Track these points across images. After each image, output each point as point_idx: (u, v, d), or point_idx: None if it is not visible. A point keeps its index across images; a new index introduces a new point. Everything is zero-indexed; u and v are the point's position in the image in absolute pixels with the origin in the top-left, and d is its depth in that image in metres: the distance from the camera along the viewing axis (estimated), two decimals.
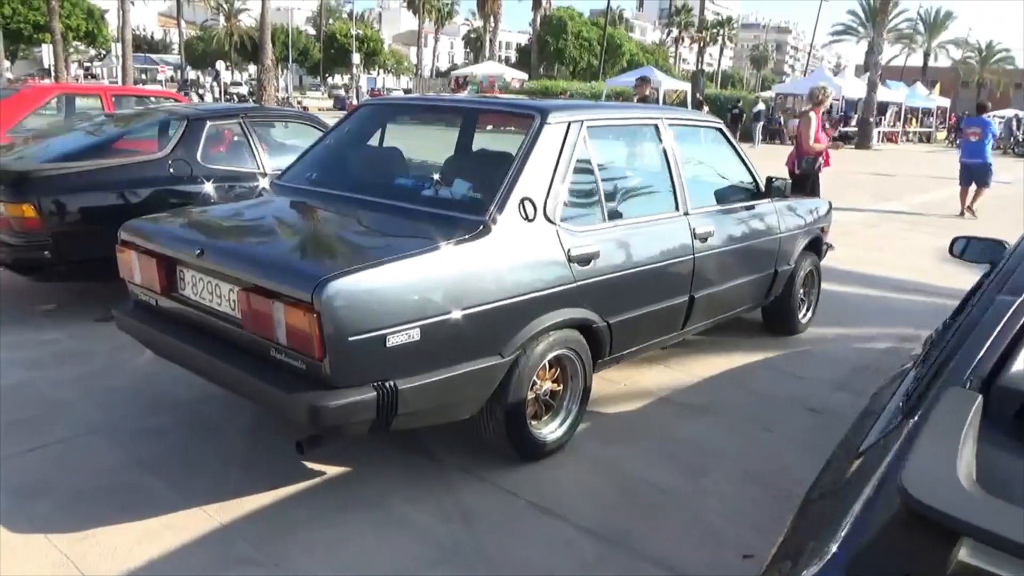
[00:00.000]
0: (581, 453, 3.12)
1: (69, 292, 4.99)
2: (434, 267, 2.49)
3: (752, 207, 4.12)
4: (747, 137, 26.55)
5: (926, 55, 54.72)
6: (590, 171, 3.13)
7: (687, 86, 28.69)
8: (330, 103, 44.10)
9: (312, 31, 73.36)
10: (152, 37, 70.85)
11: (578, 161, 3.06)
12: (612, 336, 3.18)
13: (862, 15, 50.16)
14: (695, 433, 3.39)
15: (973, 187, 10.98)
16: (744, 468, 3.09)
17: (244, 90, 44.21)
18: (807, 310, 4.94)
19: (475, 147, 3.49)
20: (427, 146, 3.76)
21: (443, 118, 4.01)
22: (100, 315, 4.58)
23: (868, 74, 29.29)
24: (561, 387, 3.11)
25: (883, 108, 31.20)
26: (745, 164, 4.19)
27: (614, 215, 3.19)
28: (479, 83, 33.26)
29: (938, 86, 40.02)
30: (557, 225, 2.90)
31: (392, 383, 2.41)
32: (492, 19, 40.20)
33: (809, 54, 53.52)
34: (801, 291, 4.77)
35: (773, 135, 28.21)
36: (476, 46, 61.64)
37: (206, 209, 3.35)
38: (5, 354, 3.94)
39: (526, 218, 2.81)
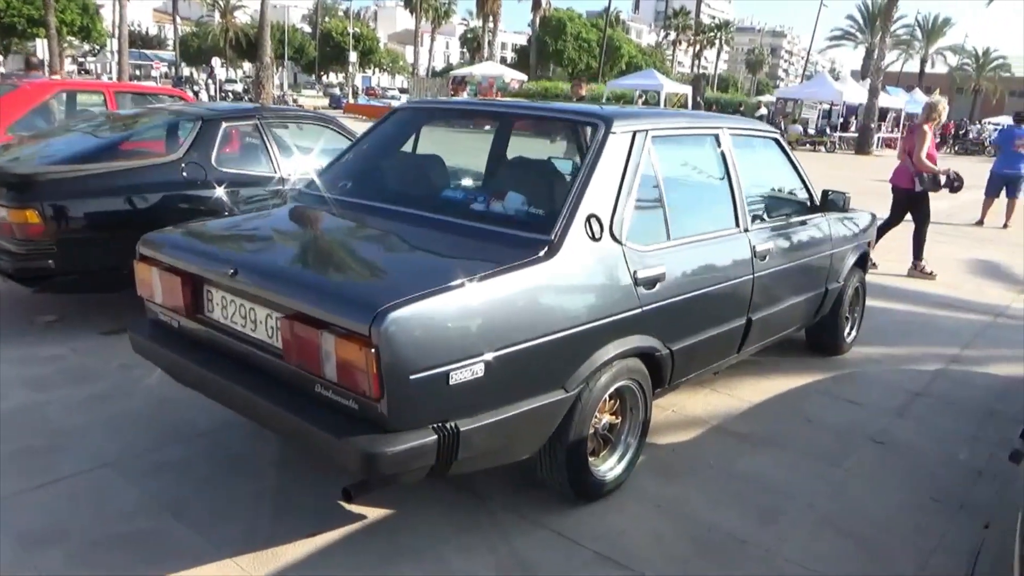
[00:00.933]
0: (639, 492, 2.86)
1: (71, 303, 4.69)
2: (501, 293, 2.23)
3: (807, 222, 3.87)
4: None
5: (923, 61, 54.84)
6: (655, 185, 2.87)
7: (687, 89, 28.47)
8: (326, 101, 43.78)
9: (308, 29, 72.94)
10: (147, 33, 70.24)
11: (643, 174, 2.80)
12: (674, 364, 2.93)
13: (860, 21, 50.28)
14: (757, 468, 3.13)
15: (1001, 197, 10.71)
16: (817, 511, 2.83)
17: (239, 87, 43.79)
18: (852, 328, 4.70)
19: (521, 155, 3.22)
20: (469, 153, 3.49)
21: (487, 124, 3.73)
22: (106, 328, 4.30)
23: (869, 80, 29.16)
24: (620, 420, 2.86)
25: (883, 114, 31.08)
26: (800, 176, 3.94)
27: (677, 233, 2.93)
28: (478, 84, 32.95)
29: (937, 93, 39.88)
30: (623, 244, 2.64)
31: (453, 424, 2.15)
32: (492, 19, 39.90)
33: (807, 59, 53.41)
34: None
35: None
36: (473, 46, 61.37)
37: (235, 220, 3.08)
38: (5, 371, 3.65)
39: (592, 237, 2.55)
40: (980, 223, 10.91)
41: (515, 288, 2.27)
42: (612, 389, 2.68)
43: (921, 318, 5.68)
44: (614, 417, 2.83)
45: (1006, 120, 42.77)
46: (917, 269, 7.14)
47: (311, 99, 46.10)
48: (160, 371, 3.63)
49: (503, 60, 48.23)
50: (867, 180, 16.24)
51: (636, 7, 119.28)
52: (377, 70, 77.51)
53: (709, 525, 2.69)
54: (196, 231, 2.87)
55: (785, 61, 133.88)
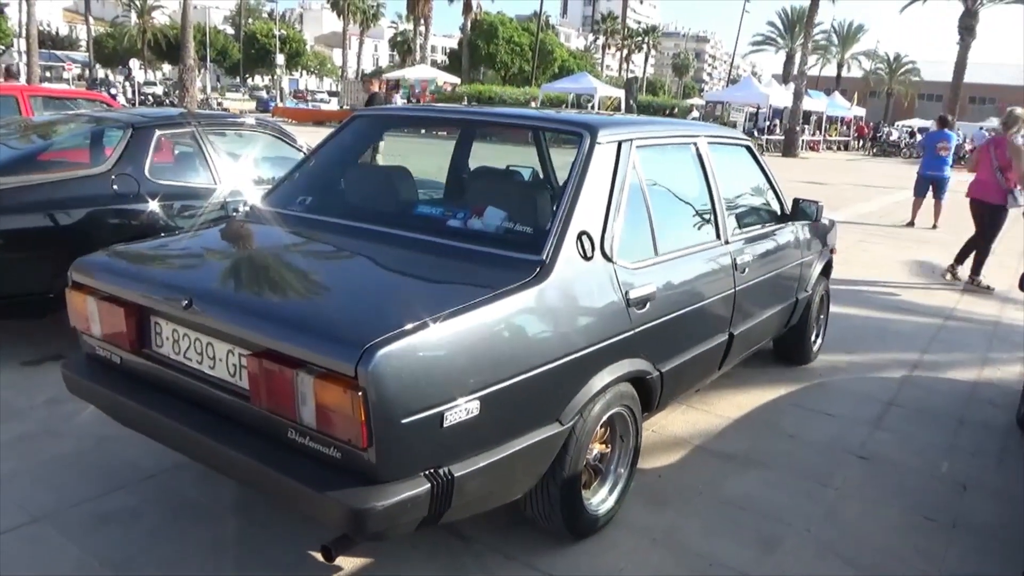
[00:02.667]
0: (630, 524, 2.69)
1: None
2: (495, 321, 2.02)
3: (779, 231, 3.78)
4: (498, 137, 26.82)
5: (840, 66, 56.89)
6: (641, 198, 2.71)
7: (620, 92, 28.70)
8: (252, 104, 42.47)
9: (231, 30, 70.91)
10: (57, 33, 66.93)
11: (630, 186, 2.63)
12: (663, 386, 2.77)
13: (781, 27, 51.89)
14: (747, 491, 3.00)
15: (929, 198, 11.01)
16: (816, 537, 2.71)
17: (159, 90, 42.15)
18: (817, 336, 4.66)
19: (495, 167, 3.01)
20: (436, 163, 3.26)
21: (453, 132, 3.51)
22: (28, 358, 3.91)
23: (793, 83, 30.00)
24: (609, 449, 2.68)
25: (807, 117, 32.01)
26: (772, 184, 3.86)
27: (664, 248, 2.77)
28: (410, 87, 32.53)
29: (856, 95, 41.49)
30: (614, 262, 2.47)
31: (447, 470, 1.93)
32: (423, 22, 39.43)
33: (731, 63, 54.80)
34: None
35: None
36: (403, 49, 60.71)
37: (183, 241, 2.76)
38: None
39: (584, 255, 2.36)
40: (911, 224, 11.21)
41: (509, 314, 2.06)
42: (605, 418, 2.50)
43: (876, 323, 5.71)
44: (604, 446, 2.65)
45: (918, 123, 44.79)
46: (974, 283, 7.06)
47: (236, 102, 44.72)
48: (93, 408, 3.33)
49: (435, 63, 47.75)
50: (797, 181, 16.64)
51: (564, 11, 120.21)
52: (304, 73, 75.97)
53: (710, 558, 2.53)
54: (138, 254, 2.57)
55: (709, 65, 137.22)
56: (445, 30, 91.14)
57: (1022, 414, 3.88)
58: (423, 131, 3.62)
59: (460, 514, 2.11)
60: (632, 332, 2.51)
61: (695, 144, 3.17)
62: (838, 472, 3.23)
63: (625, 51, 67.03)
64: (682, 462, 3.22)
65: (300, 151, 4.94)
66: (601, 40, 64.45)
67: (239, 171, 4.60)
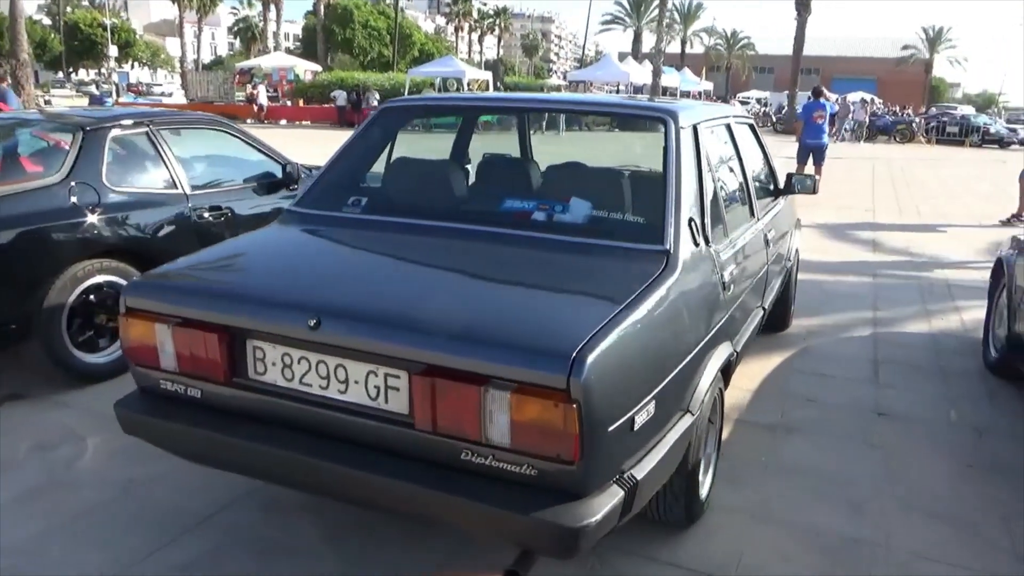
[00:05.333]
0: (720, 505, 2.70)
1: None
2: (656, 315, 1.95)
3: (781, 205, 3.91)
4: (552, 125, 27.22)
5: (683, 43, 59.64)
6: (711, 180, 2.70)
7: (488, 75, 28.72)
8: (84, 101, 38.99)
9: (47, 21, 64.69)
10: None
11: (706, 169, 2.62)
12: (733, 367, 2.80)
13: (627, 6, 53.66)
14: (805, 458, 3.10)
15: (808, 165, 11.75)
16: (892, 495, 2.83)
17: None
18: (792, 303, 4.87)
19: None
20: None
21: (506, 120, 3.35)
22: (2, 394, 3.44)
23: (648, 61, 31.17)
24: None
25: (664, 92, 33.39)
26: (768, 161, 3.97)
27: (731, 228, 2.79)
28: (267, 76, 31.01)
29: (704, 71, 43.66)
30: (711, 247, 2.45)
31: (631, 474, 1.85)
32: (273, 6, 37.53)
33: (584, 43, 56.25)
34: None
35: (570, 122, 29.07)
36: (247, 36, 57.82)
37: (248, 252, 2.47)
38: None
39: (695, 242, 2.33)
40: None
41: (663, 307, 2.00)
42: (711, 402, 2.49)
43: (819, 286, 6.03)
44: None
45: (756, 94, 47.88)
46: None
47: (65, 99, 40.89)
48: (90, 445, 2.97)
49: (287, 50, 45.76)
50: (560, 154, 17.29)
51: None
52: (136, 64, 70.65)
53: (813, 528, 2.59)
54: (210, 271, 2.29)
55: (556, 45, 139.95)
56: (288, 15, 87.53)
57: (990, 360, 4.23)
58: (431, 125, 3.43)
59: (626, 520, 2.03)
60: (727, 315, 2.51)
61: (729, 124, 3.20)
62: (870, 431, 3.39)
63: (478, 33, 67.12)
64: (733, 438, 3.27)
65: (258, 149, 4.59)
66: (453, 23, 64.14)
67: (200, 172, 4.22)
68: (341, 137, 4.24)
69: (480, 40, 69.87)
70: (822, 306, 5.37)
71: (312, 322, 1.87)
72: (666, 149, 2.45)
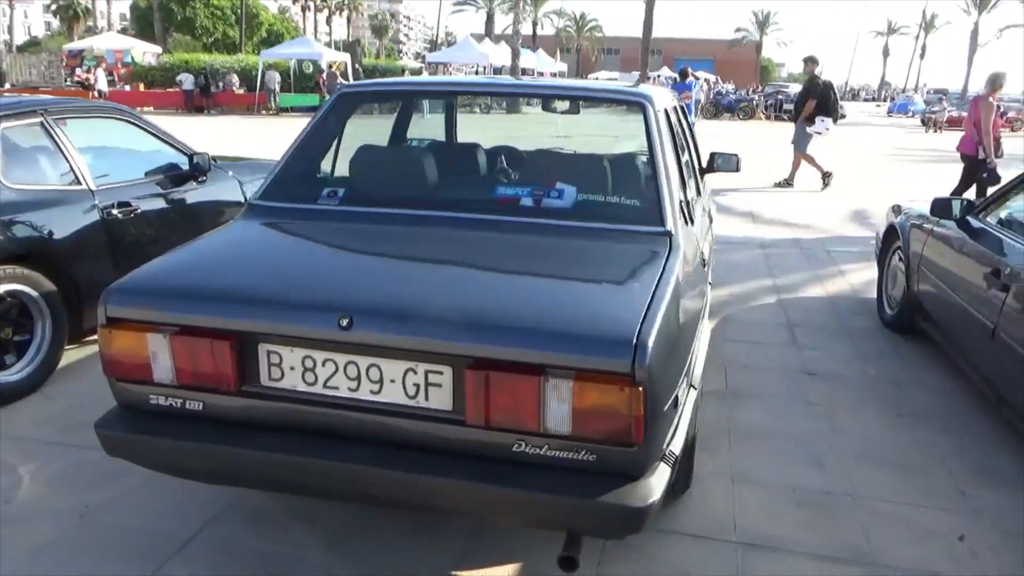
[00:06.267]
0: (702, 472, 2.82)
1: None
2: (678, 295, 1.99)
3: (707, 182, 4.09)
4: (417, 108, 26.93)
5: (534, 24, 60.49)
6: (678, 163, 2.78)
7: (346, 57, 27.88)
8: None
9: None
10: None
11: (676, 152, 2.70)
12: None
13: None
14: (761, 421, 3.29)
15: None
16: (845, 448, 3.06)
17: None
18: None
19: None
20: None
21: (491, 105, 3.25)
22: None
23: (506, 43, 31.39)
24: None
25: (524, 73, 33.80)
26: (695, 140, 4.12)
27: (696, 207, 2.89)
28: (99, 59, 28.55)
29: (557, 53, 44.52)
30: (694, 227, 2.54)
31: (670, 451, 1.90)
32: None
33: (438, 24, 55.78)
34: None
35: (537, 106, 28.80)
36: (68, 15, 52.94)
37: (234, 248, 2.29)
38: None
39: (685, 222, 2.40)
40: None
41: (680, 287, 2.05)
42: None
43: (718, 257, 6.36)
44: None
45: (604, 74, 49.49)
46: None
47: None
48: (28, 477, 2.71)
49: (122, 30, 42.29)
50: (528, 136, 17.60)
51: None
52: None
53: (791, 485, 2.76)
54: (202, 272, 2.11)
55: (405, 27, 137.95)
56: None
57: (886, 318, 4.65)
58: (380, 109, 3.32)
59: None
60: (709, 290, 2.61)
61: (676, 107, 3.30)
62: (806, 390, 3.64)
63: (326, 13, 64.96)
64: None
65: (160, 138, 4.26)
66: (299, 2, 61.64)
67: (103, 166, 3.86)
68: (193, 123, 4.04)
69: (328, 21, 67.61)
70: (727, 277, 5.67)
71: (344, 322, 1.77)
72: (648, 132, 2.50)
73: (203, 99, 25.93)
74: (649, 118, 2.53)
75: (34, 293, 3.35)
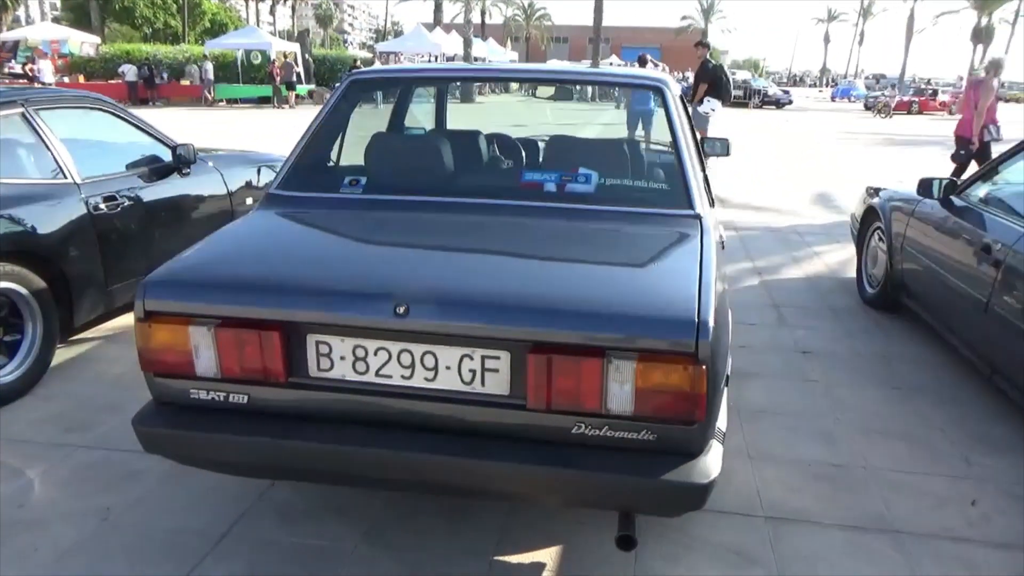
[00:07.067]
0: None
1: None
2: (719, 275, 2.03)
3: None
4: (370, 98, 26.67)
5: (483, 13, 60.18)
6: (696, 146, 2.82)
7: (295, 47, 27.34)
8: None
9: None
10: None
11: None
12: None
13: None
14: (764, 399, 3.36)
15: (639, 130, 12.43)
16: (850, 422, 3.15)
17: None
18: None
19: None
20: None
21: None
22: None
23: (459, 31, 31.23)
24: None
25: (477, 62, 33.68)
26: None
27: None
28: (33, 49, 27.45)
29: (508, 42, 44.42)
30: (713, 208, 2.58)
31: (718, 427, 1.94)
32: None
33: (387, 13, 55.14)
34: None
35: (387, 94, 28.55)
36: None
37: (289, 242, 2.25)
38: None
39: (710, 204, 2.44)
40: None
41: (719, 266, 2.09)
42: None
43: None
44: None
45: (555, 63, 49.65)
46: None
47: None
48: (39, 480, 2.63)
49: (54, 20, 40.71)
50: (480, 123, 17.59)
51: None
52: None
53: (805, 460, 2.84)
54: (244, 263, 2.07)
55: (350, 16, 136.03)
56: None
57: (867, 296, 4.79)
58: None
59: None
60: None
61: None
62: (803, 368, 3.74)
63: (269, 2, 63.62)
64: None
65: (143, 130, 4.14)
66: None
67: (87, 158, 3.72)
68: (139, 116, 3.96)
69: (272, 11, 66.25)
70: None
71: (401, 309, 1.76)
72: (668, 116, 2.53)
73: (147, 91, 25.20)
74: (668, 102, 2.55)
75: (24, 291, 3.23)
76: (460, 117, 3.79)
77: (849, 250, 6.03)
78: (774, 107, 31.75)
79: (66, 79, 26.48)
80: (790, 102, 33.88)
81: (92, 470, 2.71)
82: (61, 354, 3.53)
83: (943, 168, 8.11)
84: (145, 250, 3.91)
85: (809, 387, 3.51)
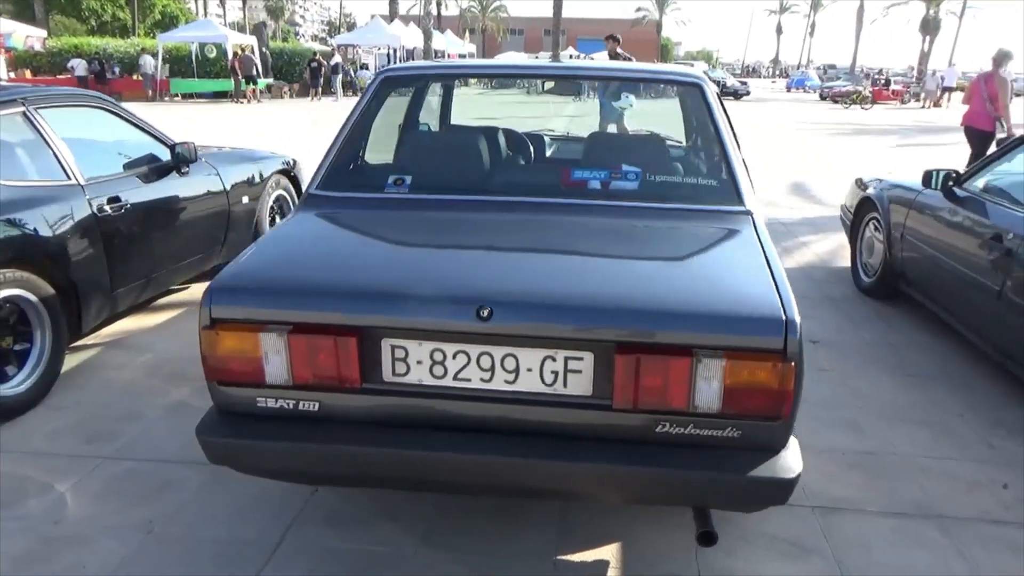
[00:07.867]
0: None
1: None
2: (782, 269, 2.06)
3: None
4: (329, 89, 26.48)
5: (439, 4, 59.75)
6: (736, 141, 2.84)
7: (252, 40, 26.78)
8: None
9: None
10: None
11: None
12: None
13: None
14: None
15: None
16: (872, 410, 3.22)
17: None
18: None
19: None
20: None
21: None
22: None
23: (418, 24, 30.95)
24: None
25: (438, 55, 33.40)
26: None
27: None
28: None
29: (466, 34, 44.21)
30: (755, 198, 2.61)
31: (782, 422, 1.96)
32: None
33: (341, 8, 54.47)
34: None
35: (346, 86, 28.21)
36: None
37: (350, 244, 2.21)
38: None
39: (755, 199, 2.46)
40: None
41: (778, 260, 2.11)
42: None
43: None
44: None
45: (511, 55, 49.62)
46: None
47: None
48: (70, 495, 2.55)
49: None
50: (469, 120, 17.52)
51: None
52: None
53: (839, 449, 2.89)
54: (310, 267, 2.03)
55: (301, 7, 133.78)
56: None
57: (863, 285, 4.90)
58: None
59: None
60: None
61: None
62: (816, 358, 3.79)
63: None
64: None
65: (141, 128, 4.03)
66: None
67: (89, 158, 3.61)
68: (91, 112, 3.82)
69: (222, 3, 64.90)
70: None
71: (484, 312, 1.74)
72: (710, 112, 2.54)
73: (99, 86, 24.44)
74: (708, 98, 2.57)
75: (33, 298, 3.12)
76: (463, 112, 3.74)
77: (836, 239, 6.16)
78: (732, 98, 32.15)
79: (12, 75, 25.57)
80: (748, 93, 34.40)
81: (124, 482, 2.63)
82: (65, 362, 3.41)
83: (917, 155, 8.32)
84: (147, 252, 3.82)
85: (825, 376, 3.58)
